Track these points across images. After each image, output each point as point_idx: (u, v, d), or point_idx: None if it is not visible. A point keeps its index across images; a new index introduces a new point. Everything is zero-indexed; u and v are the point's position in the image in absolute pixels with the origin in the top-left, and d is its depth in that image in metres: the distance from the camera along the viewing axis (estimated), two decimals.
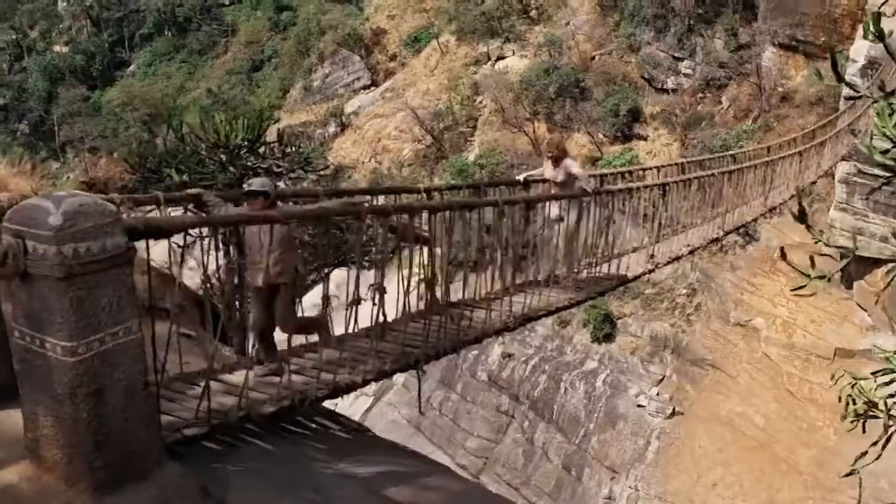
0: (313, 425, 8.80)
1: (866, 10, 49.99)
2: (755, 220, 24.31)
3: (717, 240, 20.25)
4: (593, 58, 63.29)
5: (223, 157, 15.50)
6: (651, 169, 18.80)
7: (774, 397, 40.76)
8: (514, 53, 68.22)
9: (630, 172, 18.66)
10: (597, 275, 15.36)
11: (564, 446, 44.12)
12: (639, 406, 43.27)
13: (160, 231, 7.06)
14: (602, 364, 45.47)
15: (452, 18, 73.21)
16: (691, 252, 18.82)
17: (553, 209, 14.78)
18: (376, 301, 9.73)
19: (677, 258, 18.33)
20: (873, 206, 42.70)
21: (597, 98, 59.86)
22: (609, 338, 45.73)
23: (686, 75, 58.90)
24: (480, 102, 65.39)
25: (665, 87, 59.35)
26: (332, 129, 72.62)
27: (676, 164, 20.68)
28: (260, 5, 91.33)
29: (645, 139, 57.80)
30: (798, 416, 39.71)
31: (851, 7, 52.74)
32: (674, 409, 42.65)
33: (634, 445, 42.24)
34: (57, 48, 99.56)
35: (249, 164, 15.86)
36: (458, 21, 71.87)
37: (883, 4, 43.52)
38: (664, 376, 44.18)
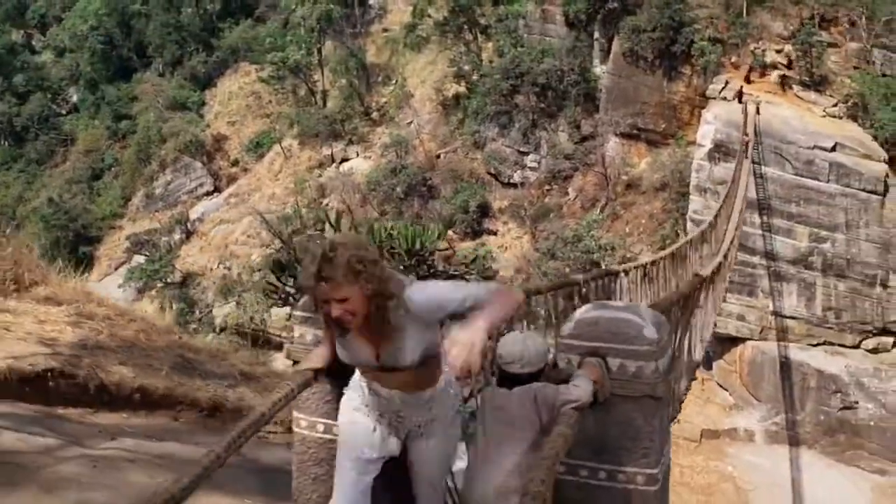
0: None
1: (707, 96, 51.15)
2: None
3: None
4: (439, 156, 63.37)
5: (404, 265, 14.31)
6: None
7: None
8: (358, 155, 68.18)
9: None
10: None
11: None
12: None
13: None
14: None
15: (294, 122, 73.07)
16: None
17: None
18: None
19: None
20: (728, 285, 43.13)
21: (445, 195, 59.84)
22: None
23: (532, 169, 59.30)
24: (328, 205, 64.67)
25: (512, 181, 59.66)
26: (177, 235, 71.31)
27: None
28: (98, 114, 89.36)
29: (495, 234, 57.89)
30: (672, 501, 39.20)
31: (689, 94, 53.92)
32: None
33: None
34: None
35: (434, 270, 14.72)
36: (301, 125, 71.66)
37: (723, 90, 44.66)
38: None
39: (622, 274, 15.50)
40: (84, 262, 76.23)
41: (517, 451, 5.09)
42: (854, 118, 50.22)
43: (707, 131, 48.83)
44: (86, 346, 9.41)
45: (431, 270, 14.64)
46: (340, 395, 5.29)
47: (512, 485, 5.22)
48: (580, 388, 5.02)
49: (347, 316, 4.57)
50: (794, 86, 51.72)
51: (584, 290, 12.73)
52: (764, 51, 53.60)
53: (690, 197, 48.49)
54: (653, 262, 18.46)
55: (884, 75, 51.49)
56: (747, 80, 51.74)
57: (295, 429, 5.67)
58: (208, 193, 75.44)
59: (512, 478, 5.22)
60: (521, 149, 60.03)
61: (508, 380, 5.35)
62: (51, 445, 6.88)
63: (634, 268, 16.78)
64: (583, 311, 5.48)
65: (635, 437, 5.12)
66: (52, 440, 7.03)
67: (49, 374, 8.31)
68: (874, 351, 44.90)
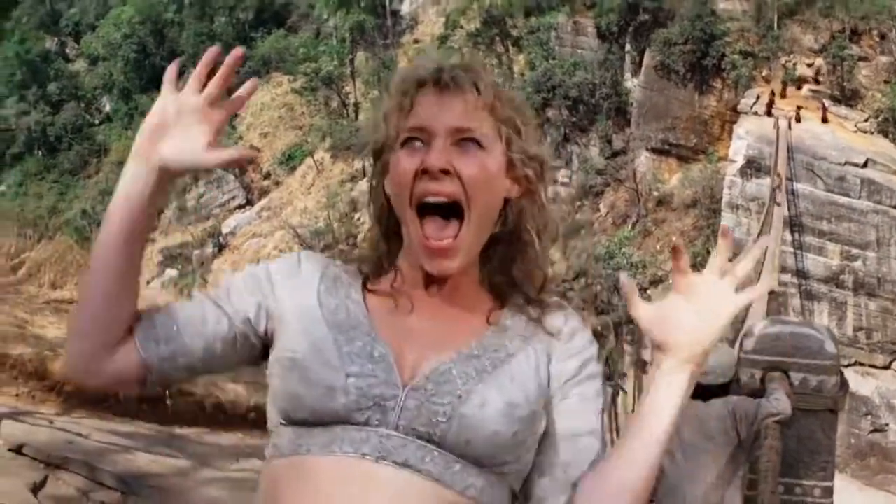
0: None
1: (738, 110, 50.86)
2: None
3: None
4: None
5: None
6: None
7: None
8: None
9: None
10: None
11: None
12: None
13: None
14: None
15: (326, 135, 72.81)
16: None
17: None
18: None
19: None
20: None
21: None
22: None
23: (564, 184, 59.03)
24: (359, 219, 64.58)
25: None
26: (209, 249, 71.24)
27: None
28: (131, 124, 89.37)
29: None
30: None
31: (720, 108, 53.73)
32: None
33: None
34: None
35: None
36: (333, 137, 71.35)
37: (755, 104, 44.39)
38: None
39: None
40: None
41: (717, 464, 5.20)
42: (885, 133, 49.94)
43: (739, 147, 48.53)
44: None
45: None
46: None
47: (713, 499, 5.39)
48: (781, 402, 5.15)
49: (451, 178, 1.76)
50: (825, 100, 51.42)
51: None
52: (795, 64, 53.40)
53: (722, 213, 48.18)
54: None
55: None
56: (782, 95, 51.45)
57: None
58: (241, 206, 75.35)
59: (713, 492, 5.37)
60: (553, 164, 59.72)
61: (698, 390, 5.42)
62: (183, 467, 6.87)
63: None
64: (763, 327, 5.62)
65: (815, 450, 5.25)
66: (182, 461, 7.02)
67: (167, 392, 8.28)
68: None
